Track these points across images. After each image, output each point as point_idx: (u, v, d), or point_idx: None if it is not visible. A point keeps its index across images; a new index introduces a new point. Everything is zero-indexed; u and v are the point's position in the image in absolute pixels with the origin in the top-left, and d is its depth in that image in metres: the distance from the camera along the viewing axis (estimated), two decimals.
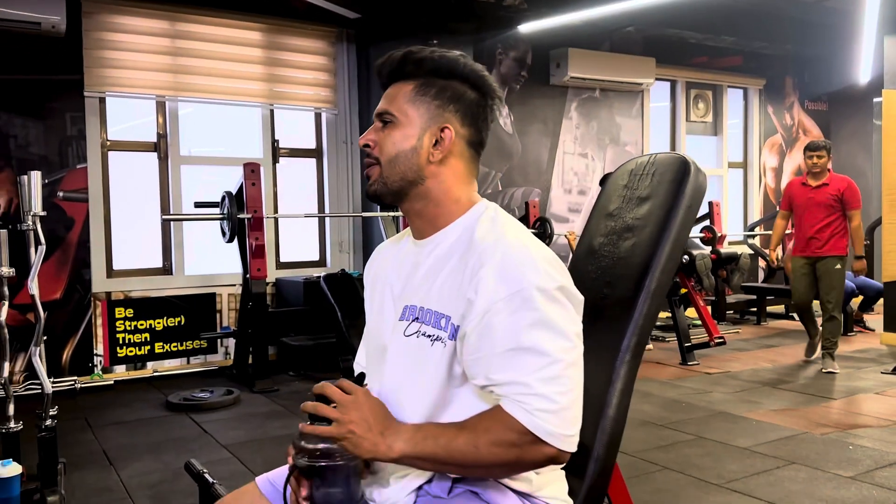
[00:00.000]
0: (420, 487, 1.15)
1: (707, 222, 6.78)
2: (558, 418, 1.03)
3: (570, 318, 1.09)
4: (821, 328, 5.08)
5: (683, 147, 7.91)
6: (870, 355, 5.51)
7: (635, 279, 1.35)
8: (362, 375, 1.20)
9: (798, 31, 7.49)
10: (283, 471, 1.37)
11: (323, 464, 1.09)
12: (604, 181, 6.22)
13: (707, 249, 5.68)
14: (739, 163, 8.40)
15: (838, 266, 4.91)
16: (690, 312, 6.07)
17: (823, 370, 4.90)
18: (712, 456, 3.24)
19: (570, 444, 1.06)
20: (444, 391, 1.13)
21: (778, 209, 5.68)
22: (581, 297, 1.14)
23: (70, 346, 4.92)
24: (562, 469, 1.24)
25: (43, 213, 2.90)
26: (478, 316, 1.07)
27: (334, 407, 1.09)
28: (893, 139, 6.03)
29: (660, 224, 1.36)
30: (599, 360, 1.33)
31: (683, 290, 5.60)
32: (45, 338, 4.75)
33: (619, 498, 1.41)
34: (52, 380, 4.72)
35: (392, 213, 5.07)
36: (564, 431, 1.04)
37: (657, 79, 7.35)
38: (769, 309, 7.45)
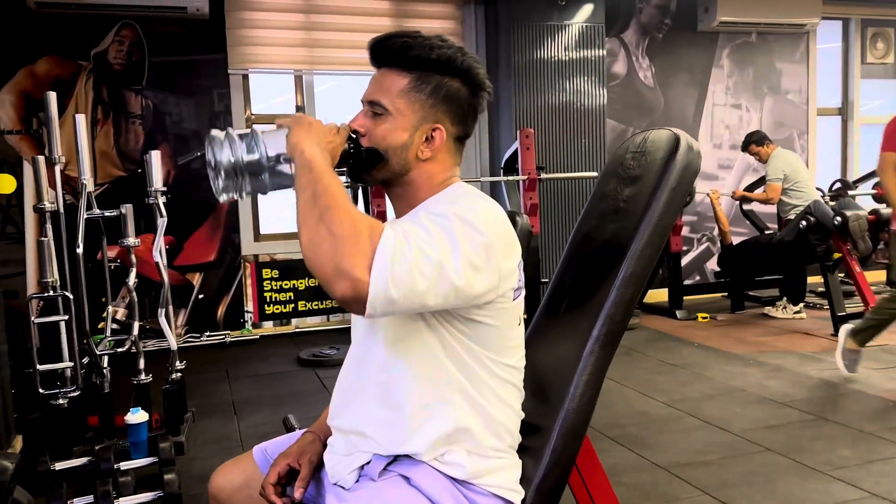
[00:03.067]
0: (362, 467, 1.19)
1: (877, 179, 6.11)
2: (402, 266, 0.97)
3: (475, 261, 1.04)
4: None
5: (857, 93, 7.11)
6: None
7: (614, 265, 1.28)
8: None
9: None
10: (277, 441, 1.47)
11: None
12: (750, 142, 5.78)
13: (865, 210, 5.12)
14: None
15: None
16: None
17: None
18: (827, 439, 2.99)
19: (378, 289, 0.96)
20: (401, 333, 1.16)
21: None
22: (509, 271, 1.12)
23: (224, 304, 5.41)
24: (517, 454, 1.23)
25: (163, 189, 3.21)
26: None
27: None
28: None
29: (643, 206, 1.28)
30: (570, 349, 1.29)
31: (837, 255, 5.10)
32: (201, 296, 5.32)
33: (594, 482, 1.37)
34: (207, 334, 5.28)
35: (514, 178, 5.03)
36: (392, 276, 0.96)
37: (824, 17, 6.62)
38: None
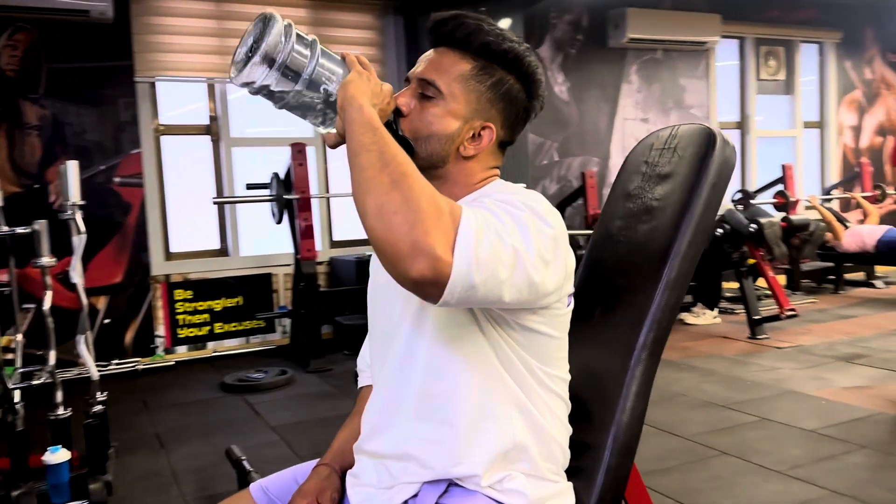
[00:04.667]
0: (405, 502, 1.06)
1: (780, 187, 6.44)
2: (485, 247, 0.86)
3: (545, 254, 0.94)
4: None
5: (754, 108, 7.50)
6: None
7: (654, 267, 1.21)
8: None
9: None
10: (276, 477, 1.30)
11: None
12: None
13: (778, 217, 5.36)
14: (815, 122, 7.91)
15: None
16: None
17: None
18: (775, 440, 3.05)
19: (461, 270, 0.85)
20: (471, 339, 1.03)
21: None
22: (571, 268, 1.03)
23: (132, 329, 5.03)
24: (569, 481, 1.13)
25: (82, 202, 2.93)
26: None
27: None
28: None
29: (681, 205, 1.22)
30: (613, 359, 1.21)
31: (752, 261, 5.31)
32: (107, 321, 4.93)
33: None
34: (115, 362, 4.89)
35: None
36: (475, 257, 0.85)
37: (723, 36, 6.95)
38: (848, 276, 7.03)
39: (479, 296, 0.88)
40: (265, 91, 1.02)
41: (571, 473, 1.14)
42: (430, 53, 1.12)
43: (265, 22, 0.99)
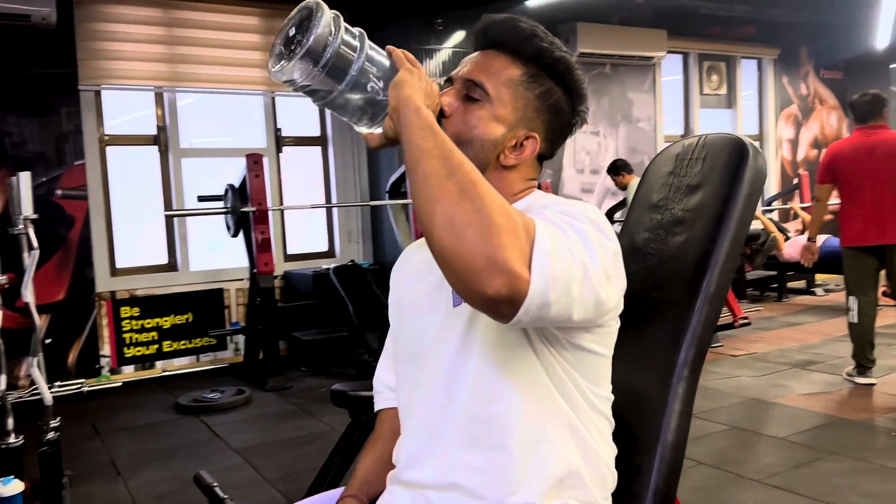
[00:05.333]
0: None
1: None
2: (561, 261, 0.81)
3: (609, 268, 0.90)
4: None
5: (697, 121, 7.69)
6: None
7: (689, 280, 1.17)
8: None
9: None
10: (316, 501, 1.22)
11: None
12: (612, 169, 6.11)
13: None
14: (755, 136, 8.16)
15: None
16: None
17: None
18: (748, 448, 3.08)
19: (538, 287, 0.79)
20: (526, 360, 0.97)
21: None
22: (624, 286, 0.98)
23: (76, 348, 4.79)
24: None
25: (34, 216, 2.75)
26: None
27: None
28: None
29: (715, 216, 1.19)
30: (652, 377, 1.17)
31: None
32: (48, 340, 4.67)
33: None
34: (58, 383, 4.63)
35: (402, 201, 4.89)
36: (552, 272, 0.79)
37: (669, 51, 7.11)
38: (790, 285, 7.25)
39: (552, 314, 0.82)
40: (307, 88, 0.94)
41: (619, 497, 1.09)
42: (476, 55, 1.07)
43: (312, 11, 0.92)
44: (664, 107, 7.44)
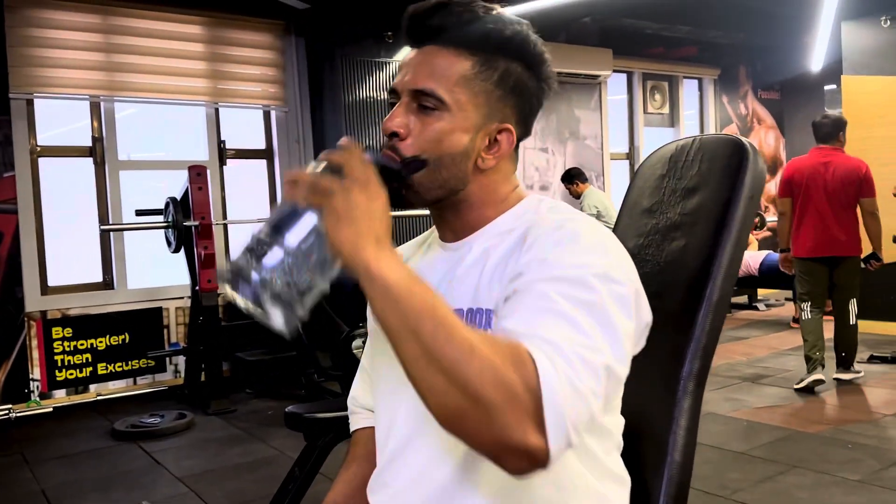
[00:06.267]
0: None
1: None
2: (577, 403, 0.69)
3: (630, 330, 0.81)
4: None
5: (642, 139, 7.79)
6: None
7: (691, 288, 1.11)
8: None
9: (751, 19, 7.43)
10: None
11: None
12: (567, 178, 6.13)
13: None
14: None
15: None
16: None
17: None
18: (711, 464, 3.05)
19: (559, 447, 0.68)
20: None
21: None
22: (650, 321, 0.89)
23: (3, 372, 4.48)
24: None
25: None
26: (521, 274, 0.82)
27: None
28: (855, 125, 5.96)
29: (716, 220, 1.12)
30: (655, 391, 1.09)
31: None
32: None
33: None
34: None
35: None
36: (570, 424, 0.68)
37: (614, 70, 7.20)
38: (732, 300, 7.38)
39: (575, 439, 0.71)
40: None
41: None
42: (414, 56, 0.93)
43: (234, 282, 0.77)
44: (610, 125, 7.52)
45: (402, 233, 5.04)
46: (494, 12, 0.95)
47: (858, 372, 4.30)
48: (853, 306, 4.14)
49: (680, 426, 1.05)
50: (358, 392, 1.18)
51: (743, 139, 1.18)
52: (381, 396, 1.04)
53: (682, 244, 1.17)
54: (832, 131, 4.19)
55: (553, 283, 0.77)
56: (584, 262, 0.80)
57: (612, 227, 4.40)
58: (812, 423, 3.57)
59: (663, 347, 1.11)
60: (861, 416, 3.66)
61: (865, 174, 4.10)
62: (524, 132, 0.99)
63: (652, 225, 1.24)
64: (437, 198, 0.94)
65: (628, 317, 0.80)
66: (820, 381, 4.06)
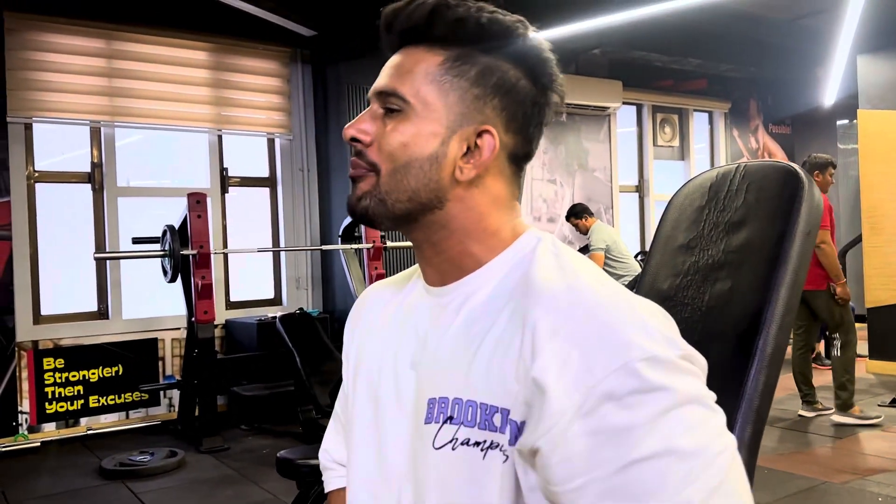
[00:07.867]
0: None
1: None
2: None
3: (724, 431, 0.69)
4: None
5: (651, 172, 7.68)
6: (860, 385, 5.23)
7: (740, 338, 0.95)
8: None
9: (762, 53, 7.35)
10: None
11: None
12: (573, 213, 5.99)
13: None
14: None
15: None
16: None
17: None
18: None
19: None
20: None
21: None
22: (705, 363, 0.73)
23: None
24: None
25: None
26: (555, 418, 0.65)
27: None
28: (871, 160, 5.85)
29: (767, 259, 0.97)
30: None
31: None
32: None
33: None
34: None
35: (356, 246, 4.63)
36: None
37: (624, 102, 7.12)
38: None
39: None
40: None
41: None
42: (389, 61, 0.82)
43: None
44: (620, 157, 7.41)
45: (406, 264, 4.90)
46: (474, 5, 0.80)
47: (877, 416, 4.16)
48: (836, 340, 4.23)
49: None
50: (331, 445, 1.02)
51: (796, 166, 1.03)
52: (360, 457, 0.89)
53: (728, 286, 1.01)
54: (808, 171, 4.13)
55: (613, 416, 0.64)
56: (627, 356, 0.64)
57: (623, 261, 4.22)
58: (838, 472, 3.37)
59: None
60: (888, 464, 3.46)
61: None
62: (518, 143, 0.81)
63: (690, 263, 1.08)
64: (407, 211, 0.78)
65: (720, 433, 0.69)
66: (802, 416, 4.33)
